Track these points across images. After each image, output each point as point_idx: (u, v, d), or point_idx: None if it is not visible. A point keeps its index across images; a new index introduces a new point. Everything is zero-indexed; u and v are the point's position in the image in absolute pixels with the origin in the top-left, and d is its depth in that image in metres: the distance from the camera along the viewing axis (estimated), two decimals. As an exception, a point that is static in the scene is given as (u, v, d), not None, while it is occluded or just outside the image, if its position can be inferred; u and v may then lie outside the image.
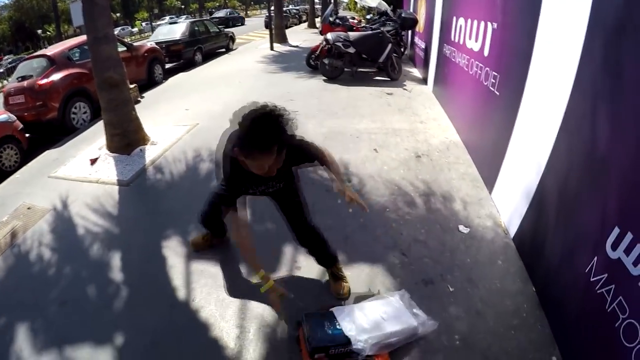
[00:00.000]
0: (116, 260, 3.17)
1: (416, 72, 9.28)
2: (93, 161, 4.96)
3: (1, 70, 27.09)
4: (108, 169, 4.76)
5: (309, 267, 2.80)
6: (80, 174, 4.77)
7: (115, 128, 5.05)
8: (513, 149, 3.20)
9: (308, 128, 5.52)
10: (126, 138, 5.07)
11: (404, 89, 7.69)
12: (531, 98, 2.90)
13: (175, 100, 7.86)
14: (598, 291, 1.83)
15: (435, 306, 2.38)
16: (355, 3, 32.48)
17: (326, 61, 8.40)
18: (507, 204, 3.26)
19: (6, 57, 39.22)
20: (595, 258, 1.89)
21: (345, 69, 8.45)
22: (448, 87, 6.10)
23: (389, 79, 8.36)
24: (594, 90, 2.08)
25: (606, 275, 1.80)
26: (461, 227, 3.19)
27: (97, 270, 3.09)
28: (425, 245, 2.99)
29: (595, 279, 1.87)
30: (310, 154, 2.25)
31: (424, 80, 8.22)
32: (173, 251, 3.18)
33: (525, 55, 2.93)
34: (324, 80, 8.51)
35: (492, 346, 2.18)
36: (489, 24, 3.92)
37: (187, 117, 6.47)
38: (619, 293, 1.69)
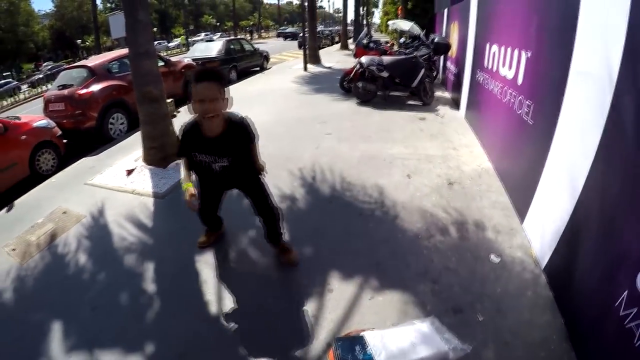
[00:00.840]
0: (149, 270, 3.29)
1: (448, 97, 9.30)
2: (129, 172, 5.17)
3: (41, 76, 28.50)
4: (144, 180, 4.94)
5: (341, 290, 2.86)
6: (116, 184, 4.98)
7: (153, 141, 5.25)
8: (546, 179, 3.17)
9: (341, 150, 5.65)
10: (163, 151, 5.26)
11: (436, 114, 7.71)
12: (565, 127, 2.89)
13: None
14: (627, 325, 1.81)
15: (464, 335, 2.36)
16: (387, 26, 32.91)
17: (360, 84, 8.54)
18: (538, 234, 3.22)
19: (45, 64, 41.26)
20: (626, 292, 1.87)
21: (378, 93, 8.56)
22: (481, 114, 6.08)
23: (421, 103, 8.42)
24: (630, 119, 2.08)
25: (636, 309, 1.78)
26: (492, 257, 3.17)
27: (130, 278, 3.21)
28: (456, 274, 2.99)
29: (624, 313, 1.85)
30: (249, 131, 2.71)
31: (457, 106, 8.22)
32: (206, 265, 3.27)
33: (559, 84, 2.94)
34: (357, 104, 8.65)
35: None
36: (523, 52, 3.94)
37: None
38: None
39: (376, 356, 2.09)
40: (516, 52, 4.16)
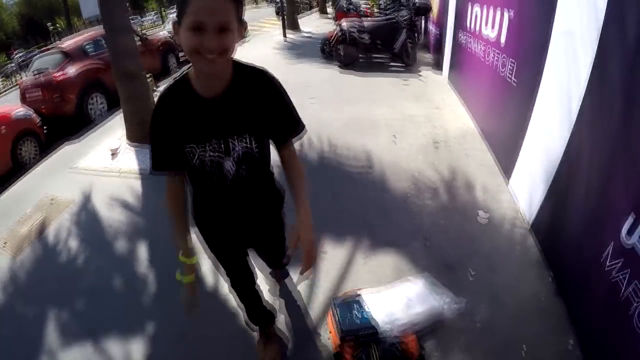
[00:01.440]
0: (143, 252, 3.30)
1: (430, 59, 9.26)
2: (114, 152, 5.12)
3: (13, 65, 27.49)
4: (129, 159, 4.90)
5: (334, 253, 2.94)
6: (101, 165, 4.93)
7: (135, 118, 5.19)
8: (530, 137, 3.26)
9: (326, 115, 5.64)
10: (146, 128, 5.13)
11: (419, 77, 7.73)
12: (548, 86, 2.95)
13: None
14: (613, 278, 1.88)
15: (457, 291, 2.48)
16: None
17: (341, 49, 8.43)
18: (524, 192, 3.33)
19: (16, 52, 39.76)
20: (611, 245, 1.93)
21: (360, 57, 8.48)
22: (463, 75, 6.11)
23: (404, 66, 8.40)
24: (613, 76, 2.13)
25: (621, 261, 1.84)
26: (480, 214, 3.27)
27: (125, 262, 3.22)
28: (446, 232, 3.10)
29: (610, 265, 1.92)
30: (277, 84, 1.46)
31: (439, 67, 8.19)
32: (202, 242, 3.26)
33: (542, 43, 2.97)
34: (339, 68, 8.58)
35: (511, 331, 2.28)
36: (505, 11, 3.94)
37: None
38: (633, 279, 1.74)
39: (374, 315, 2.19)
40: (498, 11, 4.16)
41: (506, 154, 3.82)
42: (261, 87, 1.41)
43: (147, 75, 7.56)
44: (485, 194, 3.58)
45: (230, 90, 1.37)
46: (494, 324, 2.33)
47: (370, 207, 3.41)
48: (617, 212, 1.93)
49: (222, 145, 1.42)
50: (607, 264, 1.94)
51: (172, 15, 16.94)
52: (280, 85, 1.47)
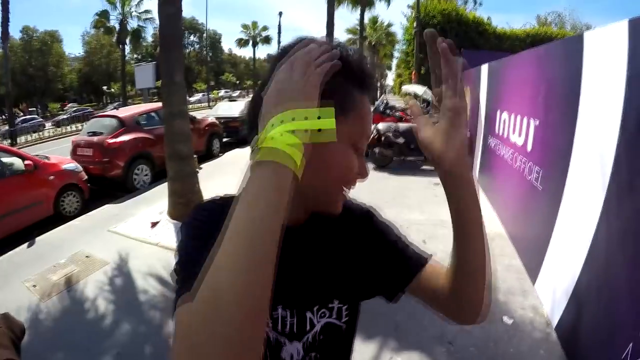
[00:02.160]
0: (171, 325, 3.30)
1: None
2: (154, 224, 5.35)
3: (65, 116, 29.52)
4: (168, 234, 5.05)
5: (360, 352, 2.82)
6: (140, 234, 5.14)
7: (180, 197, 5.46)
8: (555, 241, 3.31)
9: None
10: (188, 207, 5.40)
11: (451, 179, 7.88)
12: (572, 192, 3.06)
13: (232, 175, 8.24)
14: None
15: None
16: (400, 89, 33.95)
17: (377, 150, 8.84)
18: (549, 294, 3.31)
19: (70, 105, 42.87)
20: (631, 345, 1.99)
21: (394, 158, 8.85)
22: (492, 178, 6.28)
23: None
24: (631, 184, 2.25)
25: None
26: (505, 318, 3.23)
27: (153, 330, 3.27)
28: (471, 335, 3.05)
29: None
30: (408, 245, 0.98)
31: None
32: None
33: (566, 151, 3.14)
34: (374, 169, 8.88)
35: None
36: (531, 120, 4.18)
37: None
38: None
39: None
40: (525, 119, 4.41)
41: (533, 257, 3.83)
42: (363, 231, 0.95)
43: (194, 157, 8.08)
44: (511, 298, 3.54)
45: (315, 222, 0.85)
46: None
47: (399, 310, 3.37)
48: (637, 314, 2.00)
49: (294, 319, 0.82)
50: None
51: (224, 101, 18.15)
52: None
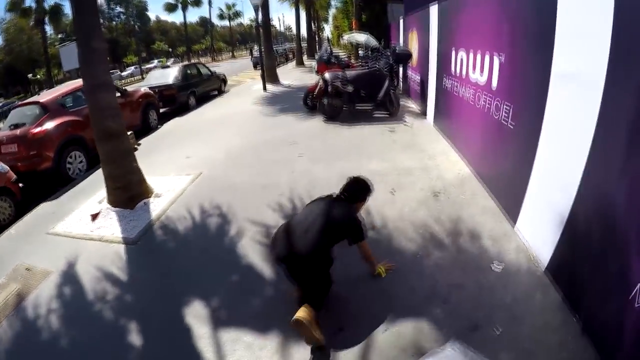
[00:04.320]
0: (132, 329, 2.99)
1: (413, 105, 9.47)
2: (94, 216, 4.86)
3: None
4: (111, 225, 4.63)
5: (352, 328, 2.73)
6: (81, 231, 4.64)
7: (117, 181, 4.96)
8: (536, 178, 3.23)
9: (318, 172, 5.55)
10: (129, 191, 5.00)
11: (405, 124, 7.85)
12: (552, 128, 2.95)
13: (174, 147, 7.87)
14: None
15: (487, 351, 2.32)
16: (339, 40, 33.47)
17: (325, 101, 8.56)
18: (534, 235, 3.27)
19: None
20: (639, 285, 1.94)
21: (344, 108, 8.60)
22: (452, 121, 6.20)
23: (388, 114, 8.55)
24: (622, 115, 2.13)
25: None
26: (494, 265, 3.16)
27: (113, 339, 2.94)
28: (464, 289, 2.95)
29: None
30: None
31: (423, 114, 8.38)
32: (197, 319, 2.99)
33: (541, 85, 3.00)
34: (324, 120, 8.67)
35: None
36: (496, 56, 4.02)
37: (189, 166, 6.43)
38: None
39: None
40: (487, 56, 4.25)
41: (510, 197, 3.78)
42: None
43: (129, 133, 7.43)
44: (494, 242, 3.49)
45: None
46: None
47: (385, 277, 3.20)
48: None
49: None
50: (637, 303, 1.94)
51: (156, 69, 16.98)
52: None
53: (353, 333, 2.66)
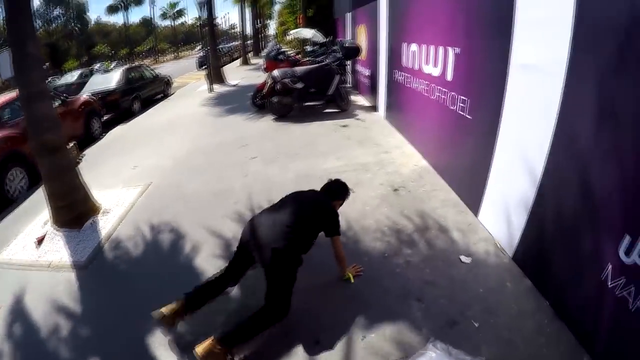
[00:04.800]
0: None
1: (363, 100, 9.51)
2: (40, 240, 4.39)
3: None
4: (59, 248, 4.19)
5: (328, 338, 2.60)
6: (27, 258, 4.16)
7: (61, 199, 4.52)
8: (497, 168, 3.28)
9: (272, 174, 5.38)
10: (74, 210, 4.57)
11: (357, 119, 7.85)
12: (512, 119, 3.00)
13: (120, 157, 7.38)
14: (619, 294, 1.97)
15: (468, 346, 2.33)
16: (284, 36, 33.23)
17: (275, 99, 8.40)
18: (499, 224, 3.31)
19: None
20: (610, 265, 2.03)
21: (294, 105, 8.50)
22: (405, 114, 6.24)
23: (339, 110, 8.53)
24: (584, 104, 2.20)
25: (624, 279, 1.94)
26: (463, 258, 3.18)
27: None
28: (436, 286, 2.93)
29: (613, 284, 2.01)
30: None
31: (374, 108, 8.44)
32: (162, 347, 2.71)
33: (499, 76, 3.04)
34: (274, 120, 8.52)
35: None
36: (450, 48, 4.04)
37: (136, 176, 6.03)
38: None
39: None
40: (441, 49, 4.27)
41: (471, 188, 3.82)
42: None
43: (70, 144, 6.93)
44: (460, 234, 3.51)
45: None
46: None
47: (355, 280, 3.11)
48: (611, 234, 2.02)
49: None
50: (610, 283, 2.03)
51: (97, 74, 15.93)
52: None
53: (330, 344, 2.53)
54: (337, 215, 2.92)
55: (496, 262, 3.11)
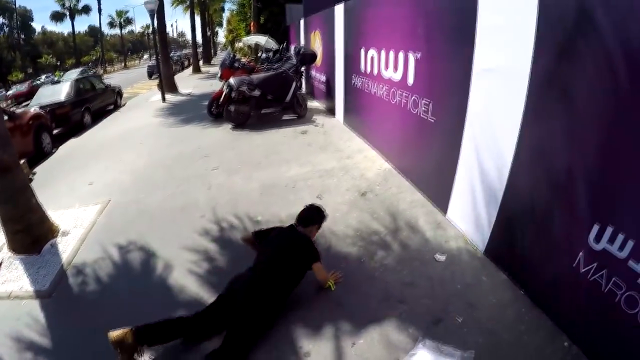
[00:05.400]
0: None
1: (319, 105, 9.60)
2: (-5, 269, 4.06)
3: None
4: (18, 277, 3.84)
5: (317, 349, 2.58)
6: (-18, 290, 3.79)
7: (16, 223, 4.17)
8: (463, 166, 3.41)
9: (237, 185, 5.28)
10: (31, 233, 4.24)
11: (315, 125, 7.92)
12: (477, 120, 3.13)
13: (75, 173, 6.93)
14: (591, 279, 2.14)
15: (455, 339, 2.41)
16: (233, 43, 32.86)
17: (232, 107, 8.28)
18: (468, 220, 3.44)
19: None
20: (582, 252, 2.19)
21: (252, 113, 8.44)
22: (365, 118, 6.33)
23: (296, 116, 8.59)
24: (547, 104, 2.36)
25: (596, 264, 2.11)
26: (437, 256, 3.27)
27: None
28: (415, 286, 3.00)
29: (585, 269, 2.18)
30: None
31: (332, 113, 8.54)
32: None
33: (463, 78, 3.17)
34: (232, 128, 8.39)
35: (516, 355, 2.37)
36: (410, 54, 4.15)
37: (94, 194, 5.67)
38: (612, 275, 2.03)
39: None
40: (401, 54, 4.37)
41: (437, 188, 3.95)
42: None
43: (22, 162, 6.48)
44: (431, 233, 3.62)
45: None
46: (497, 356, 2.36)
47: (337, 288, 3.09)
48: (580, 224, 2.18)
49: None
50: (582, 268, 2.20)
51: (44, 86, 14.91)
52: None
53: (321, 356, 2.51)
54: (313, 244, 3.00)
55: (470, 257, 3.23)
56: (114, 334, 2.50)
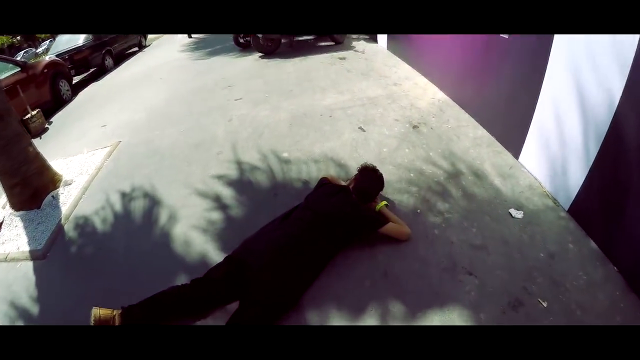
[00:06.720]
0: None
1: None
2: (-3, 227, 3.79)
3: None
4: (18, 235, 3.52)
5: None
6: (-17, 252, 3.52)
7: (12, 176, 3.80)
8: (548, 99, 2.67)
9: (262, 116, 4.73)
10: (29, 186, 3.86)
11: (356, 51, 7.13)
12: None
13: (89, 118, 6.52)
14: None
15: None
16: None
17: (260, 34, 7.58)
18: (548, 168, 2.76)
19: None
20: None
21: (283, 41, 7.74)
22: (414, 41, 5.53)
23: (333, 43, 7.87)
24: None
25: None
26: (513, 212, 2.63)
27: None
28: (488, 251, 2.38)
29: None
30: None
31: (373, 39, 7.73)
32: None
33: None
34: (261, 57, 7.74)
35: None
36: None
37: (105, 136, 5.24)
38: None
39: None
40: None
41: (508, 124, 3.26)
42: None
43: (34, 112, 6.22)
44: (502, 180, 2.96)
45: None
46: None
47: (381, 245, 2.49)
48: None
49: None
50: None
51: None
52: None
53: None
54: (369, 213, 2.50)
55: (552, 216, 2.57)
56: (100, 312, 2.14)
